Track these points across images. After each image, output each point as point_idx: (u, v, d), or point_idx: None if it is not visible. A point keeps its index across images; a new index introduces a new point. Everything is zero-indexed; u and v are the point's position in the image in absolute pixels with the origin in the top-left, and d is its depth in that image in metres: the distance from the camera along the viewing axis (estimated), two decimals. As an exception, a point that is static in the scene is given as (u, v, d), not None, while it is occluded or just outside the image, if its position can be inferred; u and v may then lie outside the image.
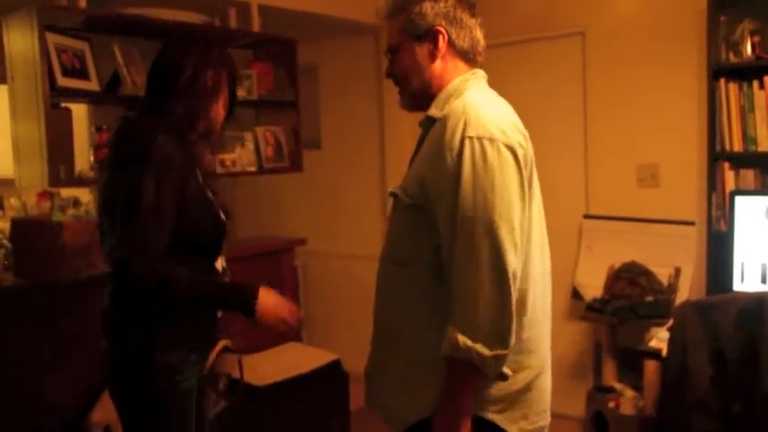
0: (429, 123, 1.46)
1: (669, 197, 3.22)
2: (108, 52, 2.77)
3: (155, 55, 1.80)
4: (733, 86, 2.86)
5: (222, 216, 1.76)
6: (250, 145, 3.33)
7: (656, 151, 3.25)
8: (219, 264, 1.79)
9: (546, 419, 1.50)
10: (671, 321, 2.25)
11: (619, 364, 3.16)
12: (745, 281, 2.68)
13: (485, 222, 1.29)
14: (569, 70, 3.49)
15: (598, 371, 3.31)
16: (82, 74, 2.65)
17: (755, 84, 2.80)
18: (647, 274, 3.09)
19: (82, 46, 2.69)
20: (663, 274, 3.08)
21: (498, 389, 1.38)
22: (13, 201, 3.15)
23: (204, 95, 1.73)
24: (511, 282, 1.29)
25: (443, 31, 1.46)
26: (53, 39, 2.55)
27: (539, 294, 1.47)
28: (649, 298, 2.99)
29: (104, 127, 2.77)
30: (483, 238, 1.29)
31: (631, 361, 2.94)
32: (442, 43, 1.46)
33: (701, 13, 2.95)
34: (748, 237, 2.69)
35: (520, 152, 1.35)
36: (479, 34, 1.51)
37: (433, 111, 1.46)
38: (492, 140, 1.32)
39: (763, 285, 2.63)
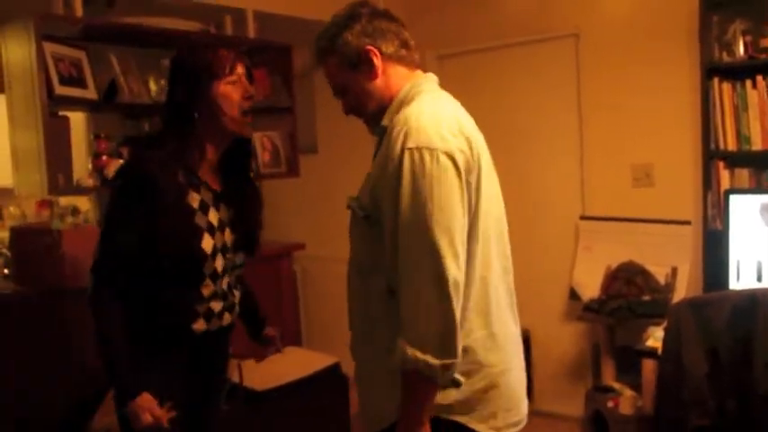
0: (383, 132, 1.48)
1: (664, 197, 3.23)
2: (105, 61, 2.79)
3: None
4: (726, 86, 2.87)
5: (203, 246, 1.68)
6: (247, 151, 3.33)
7: (650, 151, 3.27)
8: (208, 290, 1.73)
9: (520, 415, 1.51)
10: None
11: (617, 364, 3.16)
12: (741, 279, 2.69)
13: (424, 234, 1.30)
14: (563, 72, 3.50)
15: (596, 371, 3.31)
16: (79, 82, 2.67)
17: (748, 83, 2.82)
18: (643, 273, 3.10)
19: (79, 55, 2.71)
20: (660, 274, 3.10)
21: (460, 391, 1.40)
22: (13, 209, 3.16)
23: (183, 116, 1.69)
24: (452, 292, 1.30)
25: (372, 48, 1.47)
26: (50, 48, 2.56)
27: (502, 294, 1.49)
28: (646, 297, 3.00)
29: (102, 135, 2.78)
30: (422, 249, 1.30)
31: (629, 360, 2.94)
32: (376, 60, 1.47)
33: (694, 13, 2.97)
34: (743, 235, 2.70)
35: (460, 158, 1.35)
36: (406, 34, 1.52)
37: (385, 120, 1.48)
38: (431, 150, 1.32)
39: (758, 283, 2.64)
